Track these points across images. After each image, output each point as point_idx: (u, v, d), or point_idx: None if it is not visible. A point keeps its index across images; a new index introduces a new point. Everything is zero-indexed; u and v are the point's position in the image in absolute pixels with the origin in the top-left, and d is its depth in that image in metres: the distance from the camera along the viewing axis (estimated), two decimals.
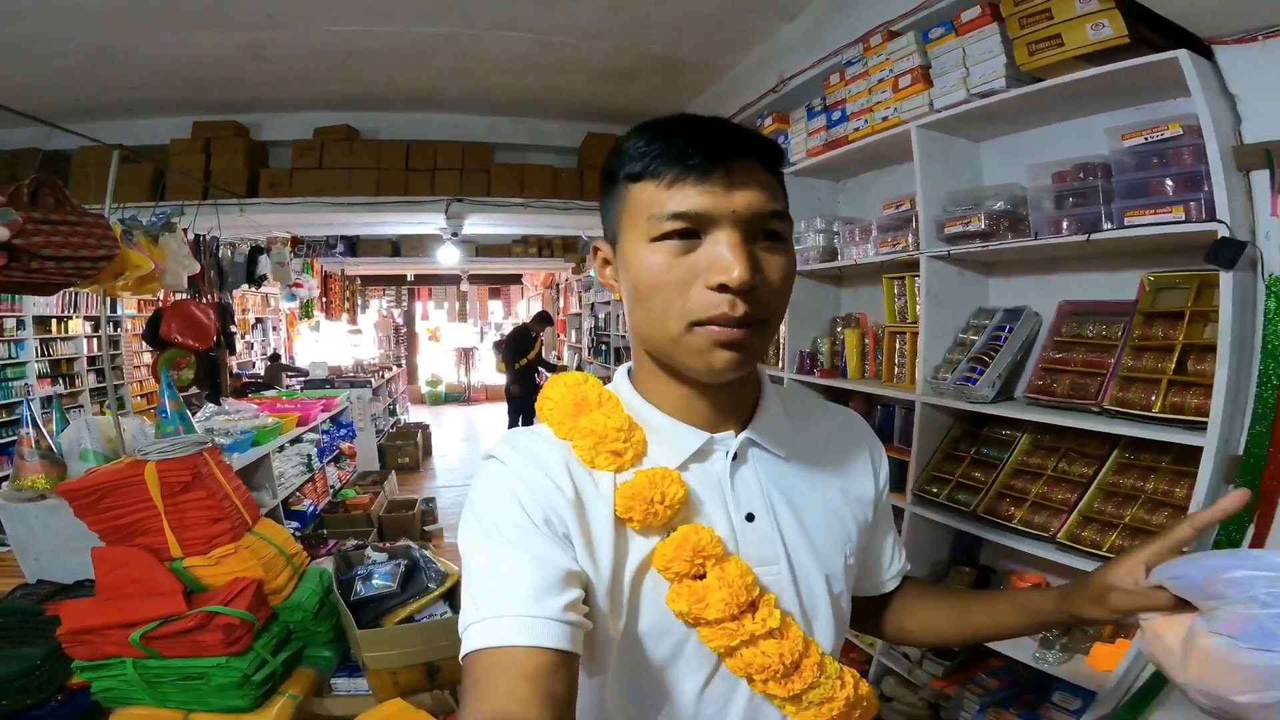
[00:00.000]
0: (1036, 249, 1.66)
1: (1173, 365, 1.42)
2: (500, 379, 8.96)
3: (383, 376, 7.18)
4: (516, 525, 0.57)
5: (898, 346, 2.16)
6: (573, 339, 8.00)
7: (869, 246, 2.18)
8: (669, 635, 0.62)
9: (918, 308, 2.03)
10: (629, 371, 0.70)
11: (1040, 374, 1.70)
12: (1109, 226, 1.48)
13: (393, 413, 7.78)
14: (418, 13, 2.68)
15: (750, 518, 0.64)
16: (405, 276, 10.50)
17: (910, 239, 1.97)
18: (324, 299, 5.52)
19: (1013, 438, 1.80)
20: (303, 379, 6.14)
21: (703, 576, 0.60)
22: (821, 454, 0.72)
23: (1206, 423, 1.29)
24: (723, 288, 0.54)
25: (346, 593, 2.02)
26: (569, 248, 7.37)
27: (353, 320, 7.01)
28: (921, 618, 0.81)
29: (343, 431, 4.88)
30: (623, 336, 5.47)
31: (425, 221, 4.25)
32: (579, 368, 7.45)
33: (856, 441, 0.76)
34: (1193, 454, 1.32)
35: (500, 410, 9.23)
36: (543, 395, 0.69)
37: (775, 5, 2.46)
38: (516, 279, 12.05)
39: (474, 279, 9.95)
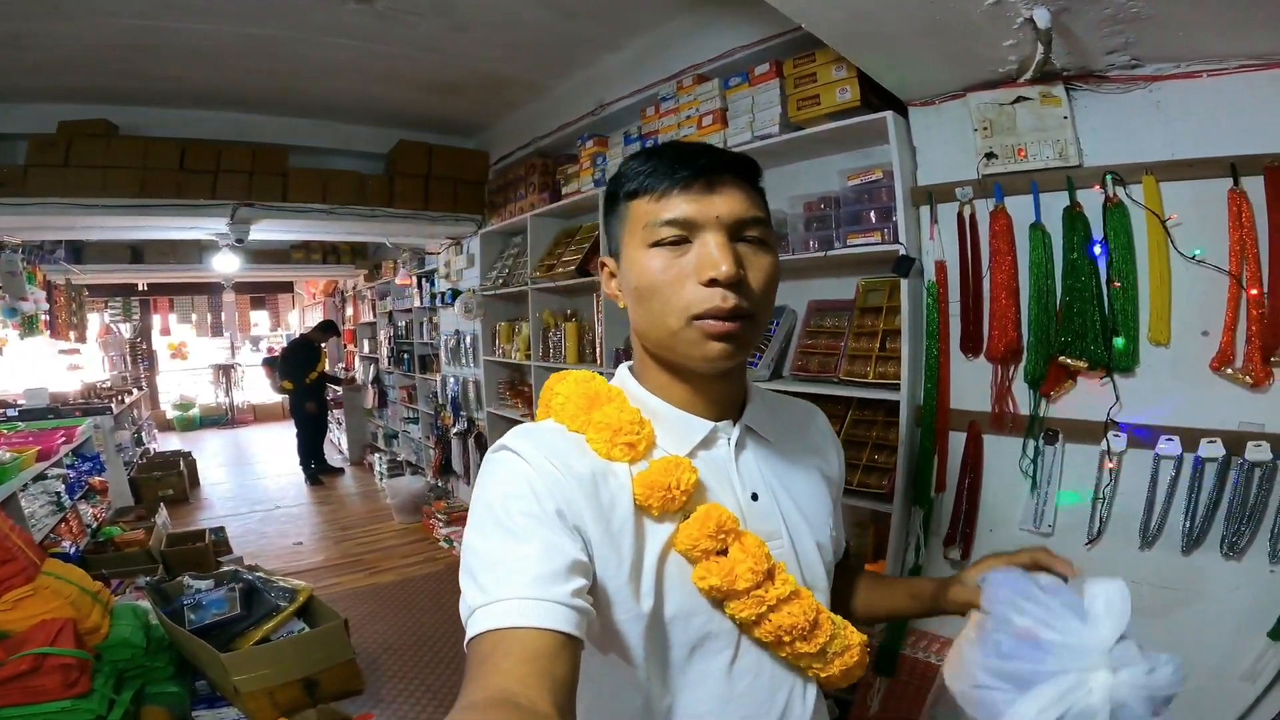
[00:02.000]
0: (794, 261, 2.22)
1: (878, 345, 2.05)
2: (279, 398, 8.11)
3: (123, 401, 6.11)
4: (528, 514, 0.59)
5: None
6: (366, 349, 7.57)
7: None
8: (696, 616, 0.66)
9: None
10: (630, 369, 0.76)
11: (800, 356, 2.27)
12: (838, 245, 2.06)
13: (139, 441, 6.65)
14: (239, 13, 2.53)
15: (755, 497, 0.71)
16: (136, 286, 8.91)
17: None
18: (50, 314, 4.59)
19: None
20: (14, 409, 5.00)
21: (724, 552, 0.65)
22: (797, 438, 0.81)
23: (900, 384, 1.91)
24: (713, 282, 0.61)
25: (177, 624, 1.90)
26: (358, 253, 6.98)
27: (80, 337, 5.84)
28: (860, 596, 0.90)
29: (88, 465, 4.16)
30: (428, 344, 5.41)
31: (202, 227, 3.83)
32: (375, 380, 7.10)
33: (819, 426, 0.87)
34: (895, 408, 1.94)
35: (281, 431, 8.31)
36: (549, 391, 0.74)
37: (603, 38, 2.77)
38: (287, 287, 10.90)
39: (236, 287, 8.82)
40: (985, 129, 1.69)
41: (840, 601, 0.85)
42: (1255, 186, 1.43)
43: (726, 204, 0.64)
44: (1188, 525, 1.53)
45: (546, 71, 3.14)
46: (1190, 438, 1.51)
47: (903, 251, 1.87)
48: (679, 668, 0.66)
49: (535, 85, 3.30)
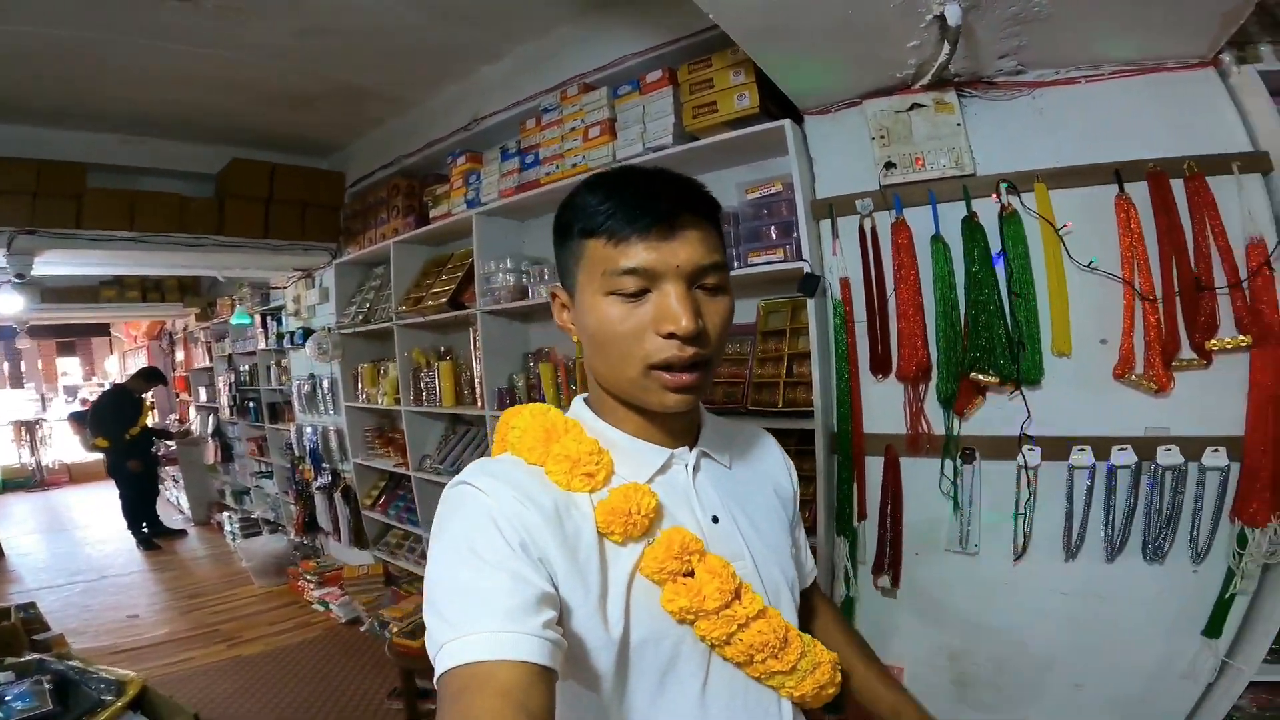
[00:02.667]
0: None
1: (784, 370, 1.93)
2: (94, 457, 6.86)
3: None
4: (492, 548, 0.59)
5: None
6: (203, 397, 6.58)
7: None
8: (665, 639, 0.66)
9: None
10: (586, 401, 0.76)
11: None
12: (739, 265, 1.93)
13: None
14: (31, 11, 2.03)
15: (715, 520, 0.72)
16: None
17: None
18: None
19: None
20: None
21: (691, 574, 0.66)
22: (751, 461, 0.83)
23: (813, 410, 1.79)
24: (671, 335, 0.62)
25: None
26: (188, 289, 6.07)
27: None
28: (821, 638, 0.84)
29: None
30: (277, 390, 4.76)
31: None
32: (216, 432, 6.17)
33: (769, 448, 0.88)
34: (809, 436, 1.82)
35: (103, 492, 7.03)
36: (505, 426, 0.73)
37: (478, 46, 2.51)
38: (102, 329, 9.36)
39: (35, 331, 7.40)
40: (883, 137, 1.62)
41: (805, 624, 0.86)
42: (1140, 192, 1.45)
43: (686, 250, 0.63)
44: (1109, 534, 1.51)
45: (411, 84, 2.82)
46: (1102, 447, 1.50)
47: (807, 269, 1.76)
48: (651, 695, 0.66)
49: (400, 98, 2.96)
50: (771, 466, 0.85)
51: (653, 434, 0.72)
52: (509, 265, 2.55)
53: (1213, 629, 1.42)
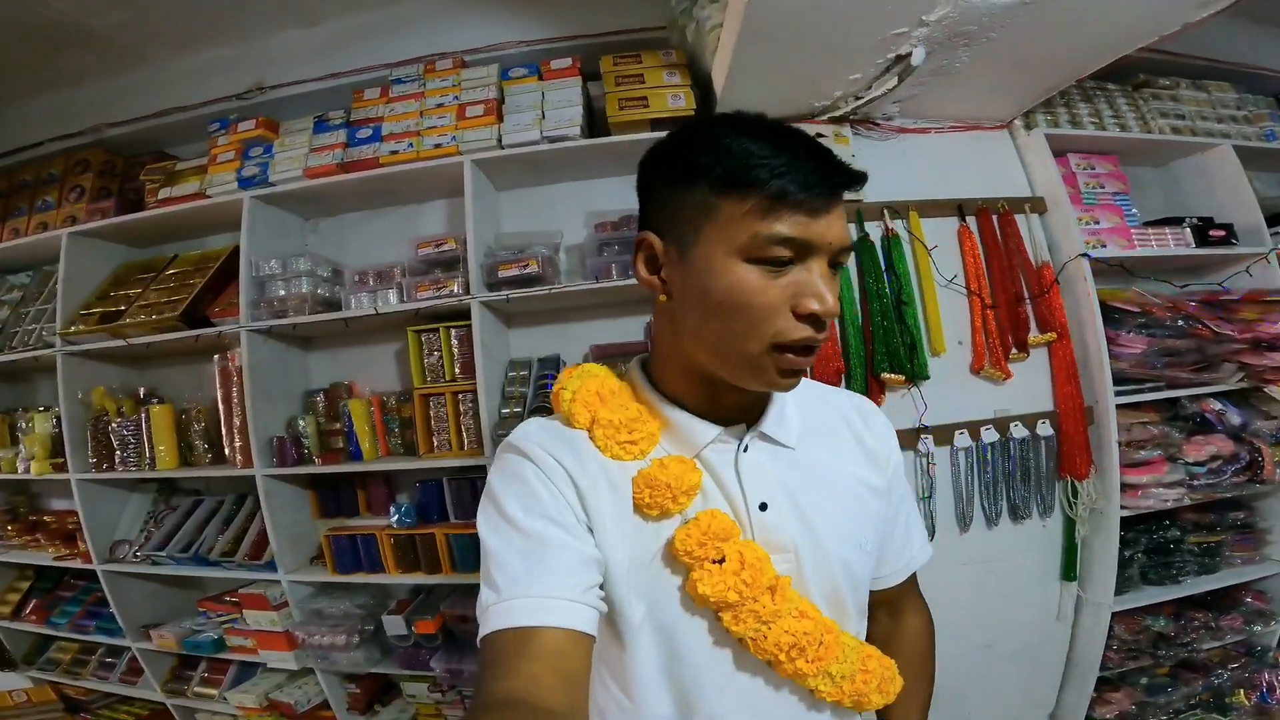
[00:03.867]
0: (575, 294, 1.82)
1: None
2: None
3: None
4: (533, 513, 0.61)
5: (433, 410, 1.91)
6: None
7: (390, 293, 1.88)
8: (692, 624, 0.65)
9: (456, 365, 1.88)
10: (643, 364, 0.74)
11: None
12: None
13: None
14: None
15: (764, 507, 0.67)
16: None
17: (460, 281, 1.82)
18: None
19: None
20: None
21: (721, 561, 0.63)
22: (831, 442, 0.75)
23: None
24: (812, 316, 0.58)
25: None
26: None
27: None
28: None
29: None
30: None
31: None
32: None
33: (866, 426, 0.78)
34: None
35: None
36: (559, 387, 0.71)
37: (290, 7, 1.96)
38: None
39: None
40: None
41: (873, 629, 0.80)
42: (975, 223, 1.86)
43: (837, 228, 0.59)
44: (986, 504, 1.78)
45: (162, 34, 2.03)
46: (973, 429, 1.78)
47: None
48: (674, 675, 0.65)
49: (129, 50, 2.09)
50: (860, 447, 0.77)
51: (711, 409, 0.68)
52: (303, 267, 1.91)
53: (1068, 573, 1.77)
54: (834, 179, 0.58)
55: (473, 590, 1.88)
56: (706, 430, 0.68)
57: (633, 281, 1.74)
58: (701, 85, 1.78)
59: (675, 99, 1.74)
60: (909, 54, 1.44)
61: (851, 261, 1.80)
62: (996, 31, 1.37)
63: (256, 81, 2.06)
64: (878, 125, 1.85)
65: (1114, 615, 1.71)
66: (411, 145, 1.83)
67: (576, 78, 1.83)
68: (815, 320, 0.58)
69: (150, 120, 2.13)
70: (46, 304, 2.11)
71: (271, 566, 1.87)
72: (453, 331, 1.90)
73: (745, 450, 0.68)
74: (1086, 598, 1.77)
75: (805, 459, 0.71)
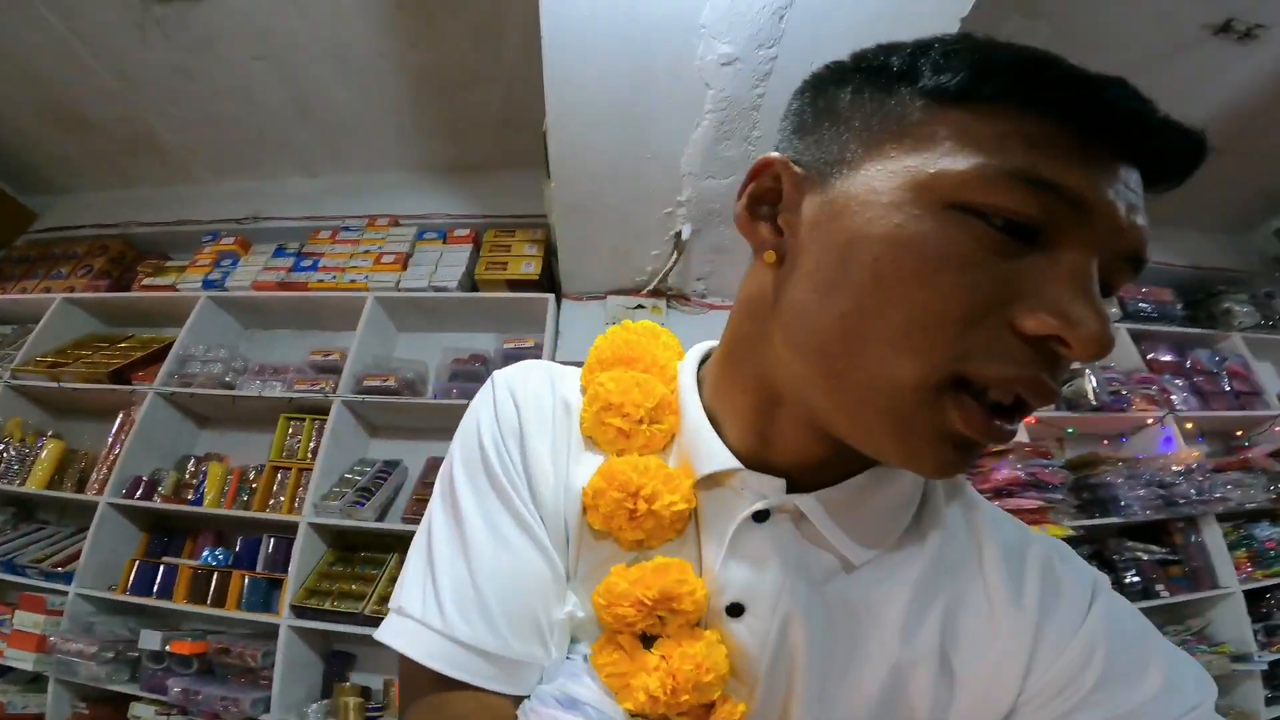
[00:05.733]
0: (432, 409, 2.23)
1: None
2: None
3: None
4: (483, 493, 0.43)
5: (279, 479, 2.22)
6: None
7: (278, 384, 2.31)
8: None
9: (311, 446, 2.24)
10: (704, 353, 0.50)
11: (414, 504, 2.15)
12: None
13: None
14: None
15: (736, 611, 0.42)
16: None
17: (331, 383, 2.26)
18: None
19: (387, 557, 2.12)
20: None
21: (649, 641, 0.41)
22: (947, 611, 0.42)
23: None
24: (1050, 340, 0.32)
25: None
26: None
27: None
28: None
29: None
30: None
31: None
32: None
33: (1021, 585, 0.42)
34: None
35: None
36: (602, 337, 0.52)
37: (302, 158, 2.72)
38: None
39: None
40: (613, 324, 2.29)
41: None
42: None
43: (1141, 217, 0.33)
44: None
45: (210, 160, 2.79)
46: None
47: None
48: None
49: (178, 167, 2.84)
50: (991, 638, 0.41)
51: (759, 445, 0.42)
52: (221, 354, 2.38)
53: None
54: (1163, 124, 0.31)
55: (249, 630, 2.01)
56: (715, 454, 0.43)
57: (465, 402, 2.16)
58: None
59: (527, 265, 2.32)
60: (679, 230, 1.99)
61: None
62: None
63: (254, 212, 2.75)
64: (689, 301, 2.37)
65: None
66: (335, 277, 2.41)
67: (469, 245, 2.44)
68: (1050, 353, 0.32)
69: (170, 226, 2.81)
70: (17, 350, 2.57)
71: (68, 578, 2.01)
72: (317, 424, 2.28)
73: (759, 519, 0.42)
74: None
75: (868, 594, 0.42)
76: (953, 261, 0.32)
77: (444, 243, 2.48)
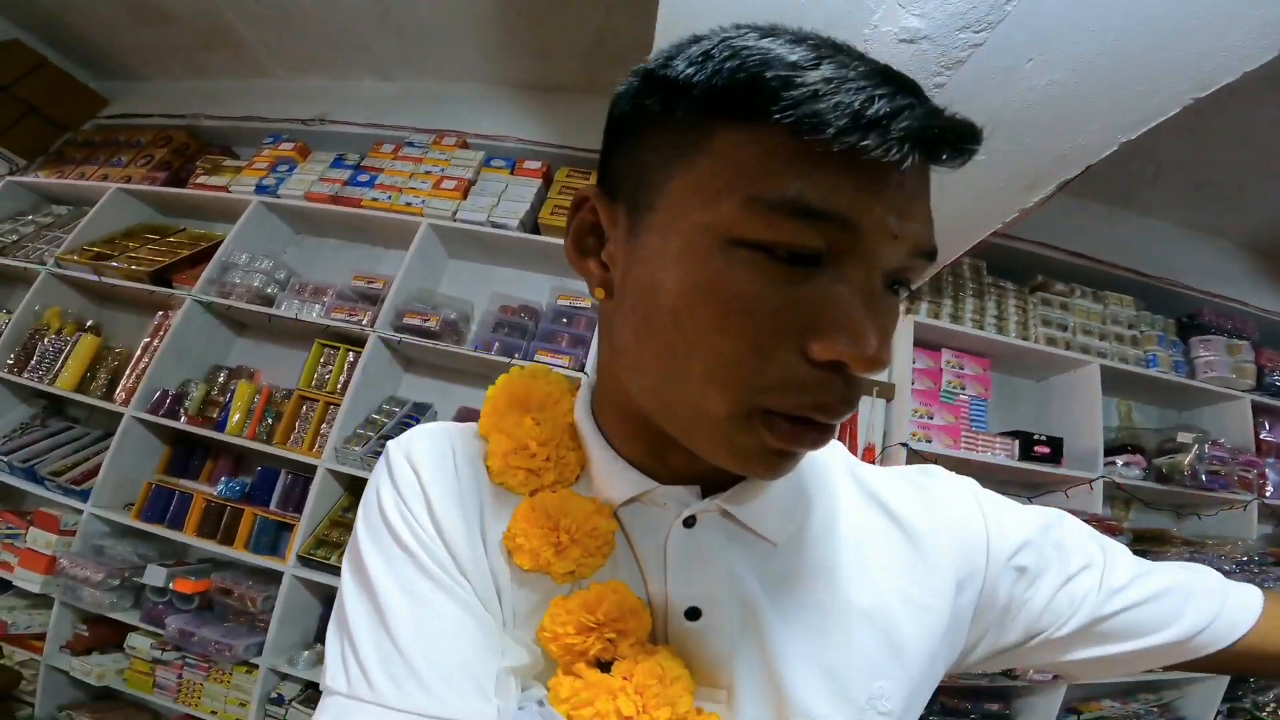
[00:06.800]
0: (471, 359, 2.03)
1: None
2: None
3: None
4: (393, 559, 0.41)
5: (303, 412, 2.08)
6: None
7: (316, 307, 2.15)
8: None
9: (341, 379, 2.08)
10: (590, 391, 0.49)
11: None
12: (518, 356, 1.99)
13: None
14: None
15: (694, 614, 0.43)
16: None
17: (370, 315, 2.07)
18: None
19: None
20: None
21: (606, 666, 0.41)
22: (844, 542, 0.47)
23: None
24: (835, 365, 0.33)
25: None
26: None
27: None
28: None
29: None
30: None
31: None
32: None
33: (923, 502, 0.50)
34: None
35: None
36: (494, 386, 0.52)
37: (381, 60, 2.50)
38: None
39: None
40: None
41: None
42: None
43: (915, 213, 0.34)
44: None
45: (288, 55, 2.60)
46: None
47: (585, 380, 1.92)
48: None
49: (254, 63, 2.68)
50: (908, 556, 0.47)
51: (659, 465, 0.44)
52: (266, 265, 2.24)
53: None
54: (925, 125, 0.30)
55: (252, 571, 1.91)
56: (629, 480, 0.44)
57: (506, 360, 1.95)
58: None
59: None
60: None
61: None
62: None
63: (321, 114, 2.56)
64: None
65: None
66: (390, 198, 2.21)
67: (539, 180, 2.18)
68: (841, 373, 0.34)
69: (236, 121, 2.66)
70: (67, 233, 2.50)
71: (84, 495, 1.95)
72: (350, 354, 2.12)
73: (689, 525, 0.44)
74: None
75: (798, 562, 0.46)
76: (742, 301, 0.33)
77: (511, 173, 2.23)
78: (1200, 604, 0.48)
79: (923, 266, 0.36)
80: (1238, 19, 0.90)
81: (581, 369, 1.93)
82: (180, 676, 1.86)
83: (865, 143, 0.30)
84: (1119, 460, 2.00)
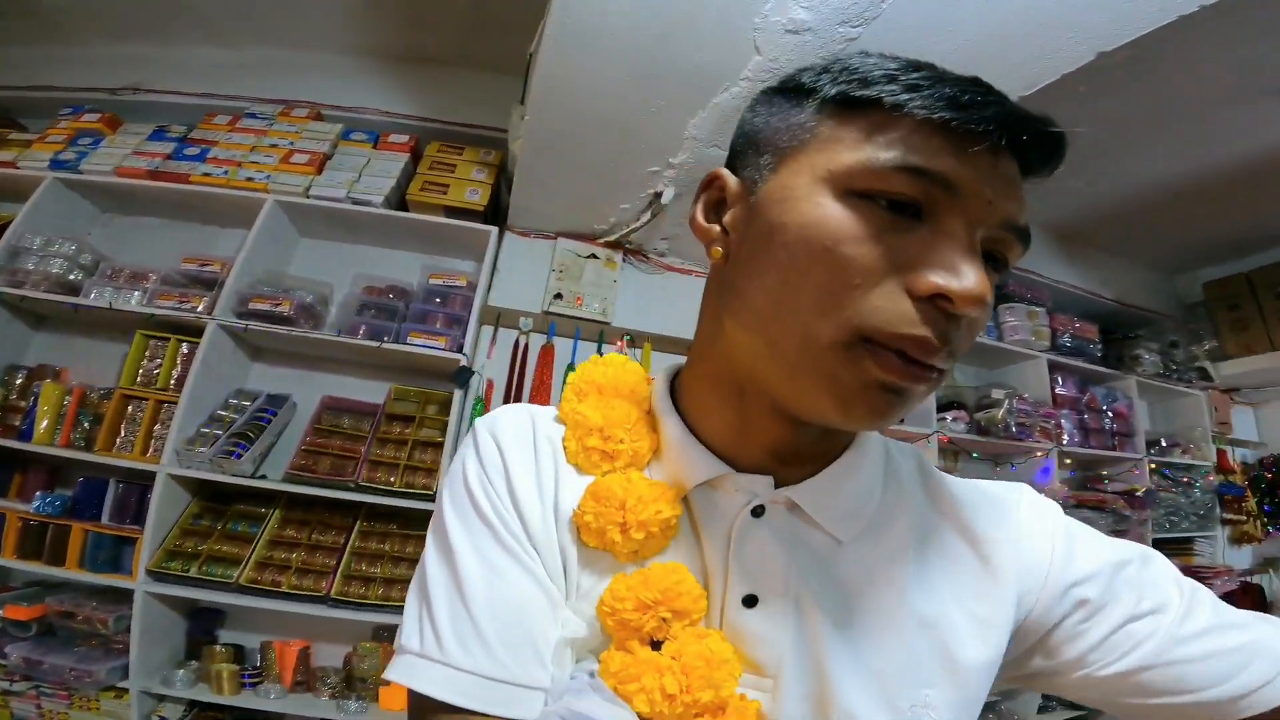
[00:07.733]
0: (332, 344, 1.89)
1: (406, 455, 1.86)
2: None
3: None
4: (478, 533, 0.45)
5: (129, 413, 1.82)
6: None
7: (135, 294, 1.88)
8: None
9: (175, 374, 1.86)
10: (672, 375, 0.53)
11: (303, 455, 1.82)
12: (388, 340, 1.88)
13: None
14: None
15: (750, 602, 0.44)
16: None
17: (207, 301, 1.85)
18: None
19: (265, 513, 1.81)
20: None
21: (658, 645, 0.43)
22: (913, 548, 0.48)
23: (432, 494, 1.75)
24: (938, 298, 0.37)
25: None
26: None
27: None
28: None
29: None
30: None
31: None
32: None
33: (997, 522, 0.50)
34: (416, 518, 1.76)
35: None
36: (574, 373, 0.56)
37: (209, 22, 2.16)
38: None
39: None
40: (560, 272, 1.98)
41: None
42: None
43: (1010, 192, 0.39)
44: None
45: (91, 20, 2.18)
46: None
47: (464, 362, 1.86)
48: None
49: (50, 25, 2.22)
50: (969, 568, 0.48)
51: (739, 443, 0.46)
52: (68, 249, 1.91)
53: None
54: (1010, 113, 0.37)
55: (95, 591, 1.71)
56: (701, 464, 0.46)
57: (375, 344, 1.83)
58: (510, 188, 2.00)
59: (472, 193, 1.95)
60: (661, 192, 1.73)
61: None
62: None
63: (135, 83, 2.20)
64: (648, 258, 2.11)
65: None
66: (226, 173, 1.96)
67: (406, 154, 2.04)
68: (940, 311, 0.37)
69: (26, 92, 2.23)
70: None
71: None
72: (184, 345, 1.88)
73: (757, 515, 0.45)
74: None
75: (860, 561, 0.46)
76: (851, 237, 0.38)
77: (374, 147, 2.07)
78: (1261, 666, 0.43)
79: (1015, 244, 0.41)
80: (1059, 28, 1.10)
81: (459, 350, 1.86)
82: (40, 707, 1.65)
83: (959, 117, 0.36)
84: (948, 416, 2.28)
